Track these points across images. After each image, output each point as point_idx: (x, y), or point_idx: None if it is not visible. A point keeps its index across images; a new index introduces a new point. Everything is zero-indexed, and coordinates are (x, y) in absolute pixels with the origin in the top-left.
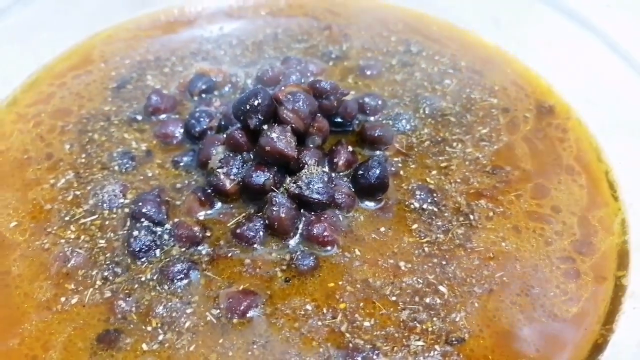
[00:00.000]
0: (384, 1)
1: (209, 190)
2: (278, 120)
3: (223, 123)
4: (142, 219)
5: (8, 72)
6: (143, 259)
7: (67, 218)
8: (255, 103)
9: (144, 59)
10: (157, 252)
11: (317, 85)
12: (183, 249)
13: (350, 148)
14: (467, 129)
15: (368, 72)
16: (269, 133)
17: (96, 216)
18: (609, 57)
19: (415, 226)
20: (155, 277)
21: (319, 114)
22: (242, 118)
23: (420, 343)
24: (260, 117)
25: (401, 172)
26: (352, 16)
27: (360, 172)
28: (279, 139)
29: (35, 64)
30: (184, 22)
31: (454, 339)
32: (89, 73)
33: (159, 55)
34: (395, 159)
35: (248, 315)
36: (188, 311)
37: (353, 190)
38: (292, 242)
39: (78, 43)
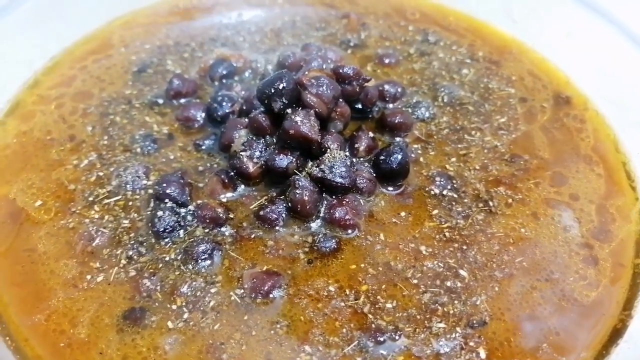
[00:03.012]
0: None
1: (232, 173)
2: (302, 104)
3: (244, 107)
4: (166, 200)
5: (29, 55)
6: (167, 239)
7: (90, 198)
8: (280, 87)
9: (164, 44)
10: (181, 232)
11: (340, 71)
12: (206, 230)
13: (370, 134)
14: (485, 117)
15: (386, 61)
16: (293, 117)
17: (120, 197)
18: (627, 49)
19: (435, 211)
20: (179, 257)
21: (341, 100)
22: (266, 101)
23: (442, 325)
24: (284, 100)
25: (421, 159)
26: (370, 5)
27: (382, 157)
28: (303, 122)
29: (56, 48)
30: (202, 9)
31: (475, 321)
32: (109, 57)
33: (179, 40)
34: (415, 146)
35: (271, 295)
36: (212, 291)
37: (374, 175)
38: (314, 225)
39: (98, 28)
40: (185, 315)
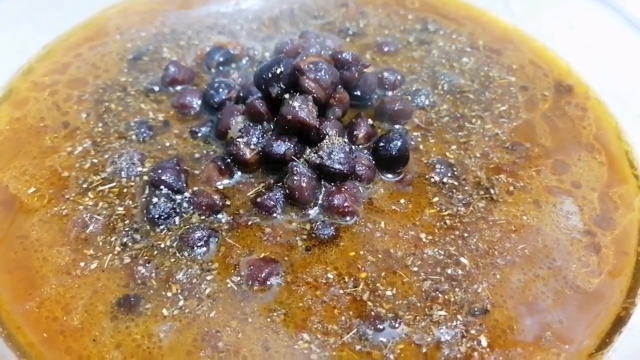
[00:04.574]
0: None
1: (229, 160)
2: (300, 89)
3: (241, 94)
4: (161, 187)
5: (23, 41)
6: (162, 226)
7: (84, 185)
8: (278, 71)
9: (160, 31)
10: (177, 219)
11: (339, 56)
12: (203, 217)
13: (370, 121)
14: (485, 105)
15: (386, 49)
16: (290, 102)
17: (114, 184)
18: (630, 38)
19: (435, 199)
20: (175, 244)
21: (340, 86)
22: (263, 86)
23: (443, 313)
24: (282, 85)
25: (421, 147)
26: None
27: (382, 143)
28: (301, 108)
29: (51, 35)
30: None
31: (476, 309)
32: (104, 44)
33: (175, 28)
34: (415, 134)
35: (269, 282)
36: (208, 278)
37: (373, 162)
38: (312, 212)
39: (93, 15)
40: (181, 303)
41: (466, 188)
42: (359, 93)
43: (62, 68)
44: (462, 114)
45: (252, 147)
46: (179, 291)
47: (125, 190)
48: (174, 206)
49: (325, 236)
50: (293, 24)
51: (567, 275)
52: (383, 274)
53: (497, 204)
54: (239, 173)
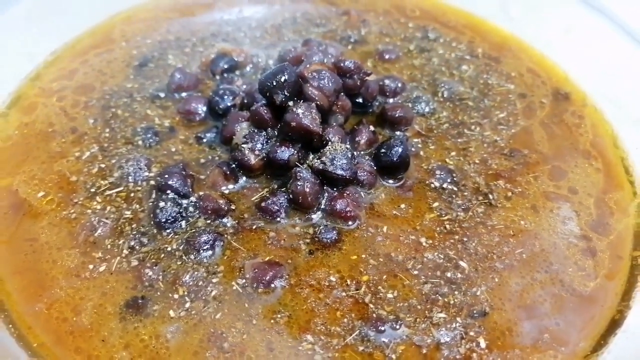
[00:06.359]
0: None
1: (234, 165)
2: (303, 97)
3: (246, 101)
4: (168, 191)
5: (31, 48)
6: (169, 230)
7: (92, 189)
8: (282, 79)
9: (165, 39)
10: (183, 223)
11: (342, 64)
12: (208, 221)
13: (371, 127)
14: (484, 113)
15: (387, 57)
16: (294, 109)
17: (121, 188)
18: (626, 46)
19: (435, 204)
20: (181, 247)
21: (342, 93)
22: (267, 94)
23: (443, 315)
24: (286, 93)
25: (421, 153)
26: (370, 2)
27: (383, 150)
28: (305, 115)
29: (58, 42)
30: (203, 5)
31: (475, 312)
32: (110, 51)
33: (180, 35)
34: (415, 140)
35: (273, 285)
36: (214, 280)
37: (375, 168)
38: (315, 217)
39: (99, 23)
40: (187, 305)
41: (465, 193)
42: (360, 100)
43: (69, 74)
44: (462, 121)
45: (257, 152)
46: (186, 293)
47: (132, 194)
48: (180, 210)
49: (328, 240)
50: (295, 32)
51: (564, 278)
52: (384, 277)
53: (496, 209)
54: (244, 178)
